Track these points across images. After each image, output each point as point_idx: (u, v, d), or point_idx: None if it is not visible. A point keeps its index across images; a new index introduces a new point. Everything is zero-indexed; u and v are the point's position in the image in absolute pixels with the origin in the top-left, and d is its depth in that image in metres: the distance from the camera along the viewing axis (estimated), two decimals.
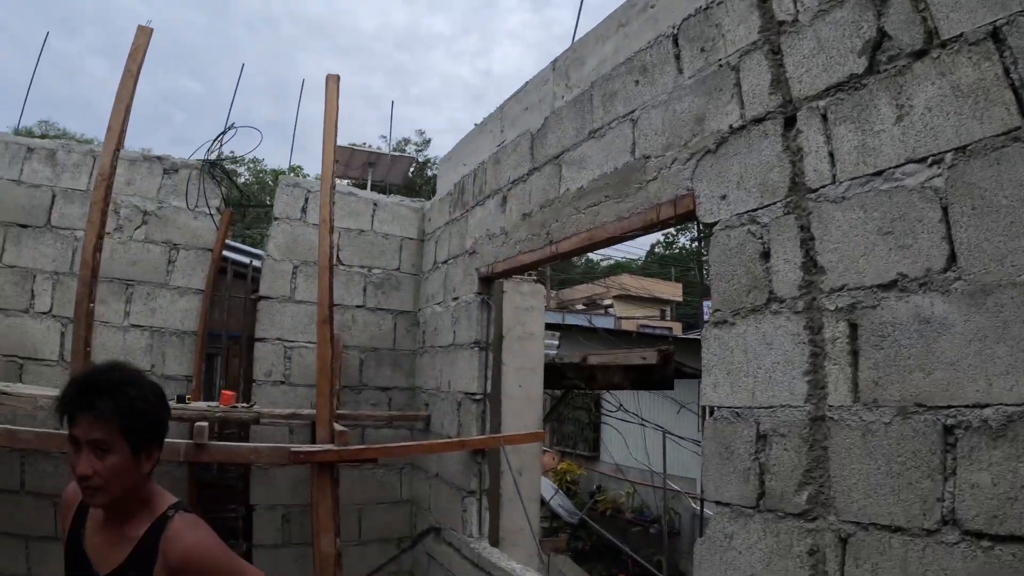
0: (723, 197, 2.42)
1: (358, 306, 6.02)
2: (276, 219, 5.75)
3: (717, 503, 2.38)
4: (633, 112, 3.12)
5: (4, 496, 4.82)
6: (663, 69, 2.95)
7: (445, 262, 5.62)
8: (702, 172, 2.56)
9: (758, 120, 2.33)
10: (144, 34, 4.22)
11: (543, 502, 7.54)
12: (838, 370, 1.99)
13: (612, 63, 3.40)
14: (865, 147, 1.97)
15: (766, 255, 2.24)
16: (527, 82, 4.52)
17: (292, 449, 3.71)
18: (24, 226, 5.37)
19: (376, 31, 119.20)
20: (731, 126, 2.45)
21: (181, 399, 4.35)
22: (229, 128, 5.44)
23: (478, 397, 4.75)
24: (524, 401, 5.32)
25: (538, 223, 3.97)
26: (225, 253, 5.65)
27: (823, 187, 2.08)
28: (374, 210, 6.24)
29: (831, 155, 2.07)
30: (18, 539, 4.78)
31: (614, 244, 3.36)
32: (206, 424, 3.82)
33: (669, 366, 5.24)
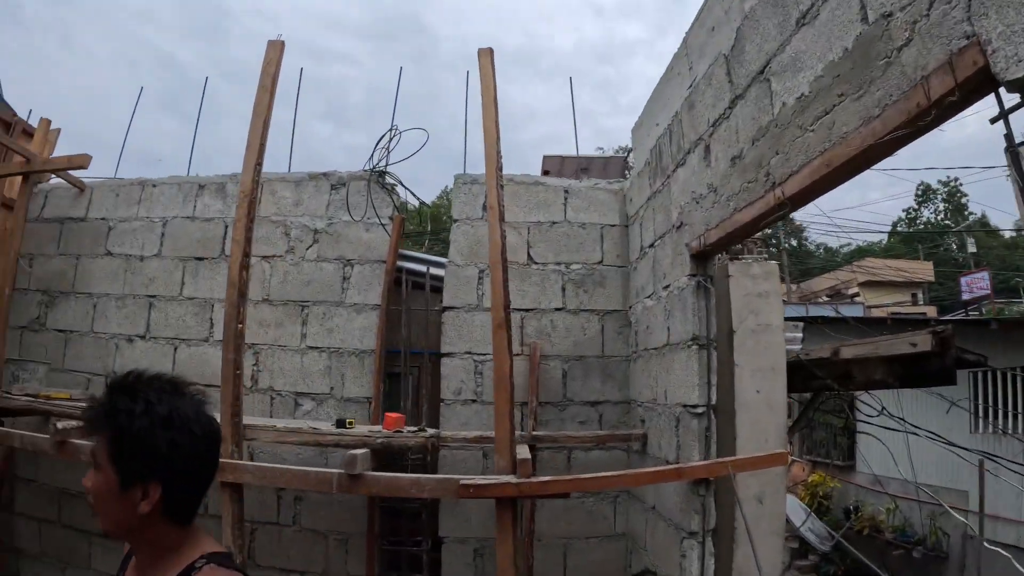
0: None
1: (557, 308, 5.64)
2: (455, 221, 5.61)
3: None
4: None
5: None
6: None
7: (651, 245, 5.04)
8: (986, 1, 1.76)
9: None
10: (274, 49, 4.42)
11: (788, 522, 6.64)
12: None
13: None
14: None
15: None
16: None
17: (461, 482, 3.37)
18: (200, 259, 5.85)
19: (574, 48, 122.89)
20: None
21: (341, 424, 4.28)
22: (391, 130, 5.44)
23: (699, 410, 4.07)
24: (764, 410, 4.51)
25: (752, 164, 3.26)
26: (400, 264, 5.64)
27: None
28: (566, 198, 5.84)
29: None
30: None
31: (864, 167, 2.52)
32: (362, 452, 3.66)
33: (948, 353, 4.15)
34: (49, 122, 6.59)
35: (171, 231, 6.00)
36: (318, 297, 5.57)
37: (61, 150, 6.54)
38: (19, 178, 6.25)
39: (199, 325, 5.78)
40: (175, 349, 5.80)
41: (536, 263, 5.66)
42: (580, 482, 4.02)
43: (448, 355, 5.42)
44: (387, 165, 5.51)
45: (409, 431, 4.15)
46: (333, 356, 5.47)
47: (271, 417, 5.48)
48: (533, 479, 3.48)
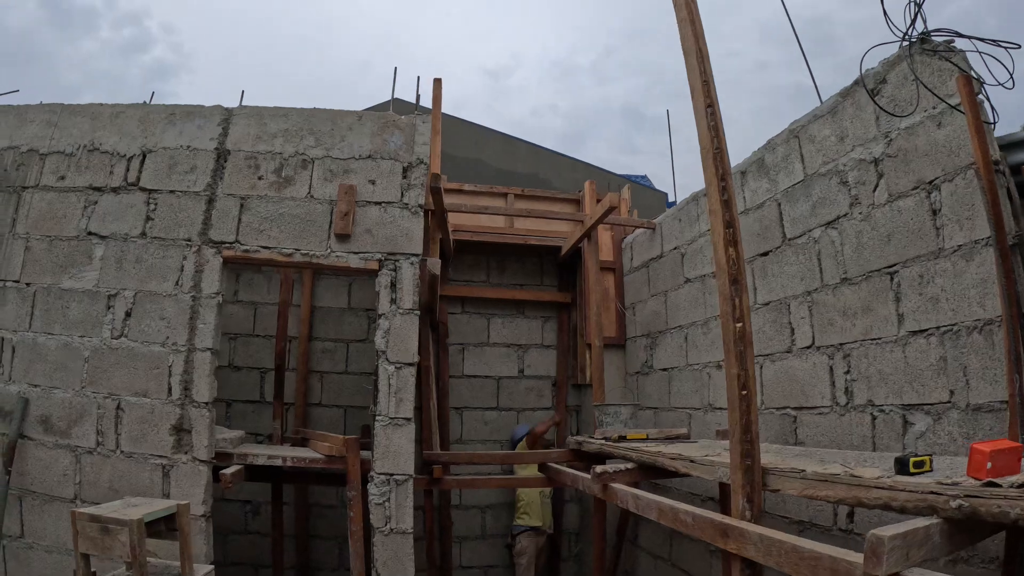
0: None
1: None
2: None
3: None
4: None
5: None
6: None
7: None
8: None
9: None
10: None
11: None
12: None
13: None
14: None
15: None
16: None
17: None
18: (764, 254, 4.42)
19: None
20: None
21: (903, 465, 2.12)
22: None
23: None
24: None
25: None
26: (1001, 160, 3.02)
27: None
28: None
29: None
30: None
31: None
32: (910, 528, 1.77)
33: None
34: (593, 186, 6.44)
35: None
36: (905, 254, 3.40)
37: None
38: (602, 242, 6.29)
39: (778, 334, 4.28)
40: (760, 368, 4.41)
41: None
42: None
43: None
44: (921, 6, 3.08)
45: (1014, 482, 1.76)
46: (946, 339, 3.14)
47: (873, 449, 3.47)
48: None
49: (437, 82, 5.49)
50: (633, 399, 6.16)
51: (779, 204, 4.37)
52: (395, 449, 4.25)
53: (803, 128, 4.17)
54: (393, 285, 4.42)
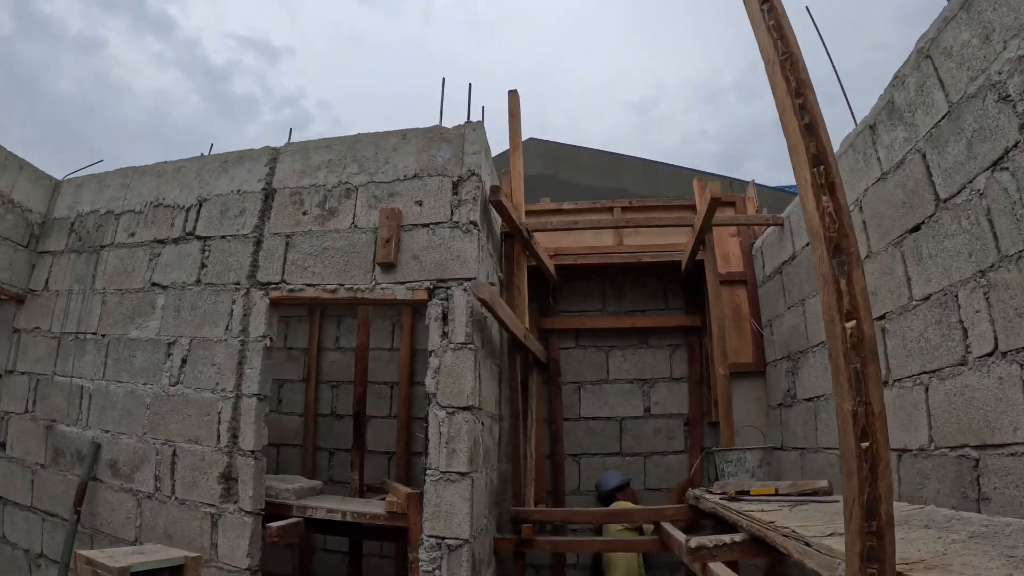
0: None
1: None
2: None
3: None
4: None
5: None
6: None
7: None
8: None
9: None
10: None
11: None
12: None
13: None
14: None
15: None
16: None
17: None
18: (912, 230, 3.05)
19: None
20: None
21: None
22: None
23: None
24: None
25: None
26: None
27: None
28: None
29: None
30: None
31: None
32: None
33: None
34: (703, 183, 5.16)
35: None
36: None
37: None
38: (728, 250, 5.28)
39: (946, 340, 2.84)
40: (925, 390, 2.97)
41: None
42: None
43: None
44: None
45: None
46: None
47: None
48: None
49: (513, 94, 4.87)
50: (776, 438, 4.71)
51: (923, 155, 3.00)
52: (447, 508, 3.48)
53: (933, 42, 2.84)
54: (445, 317, 3.76)
